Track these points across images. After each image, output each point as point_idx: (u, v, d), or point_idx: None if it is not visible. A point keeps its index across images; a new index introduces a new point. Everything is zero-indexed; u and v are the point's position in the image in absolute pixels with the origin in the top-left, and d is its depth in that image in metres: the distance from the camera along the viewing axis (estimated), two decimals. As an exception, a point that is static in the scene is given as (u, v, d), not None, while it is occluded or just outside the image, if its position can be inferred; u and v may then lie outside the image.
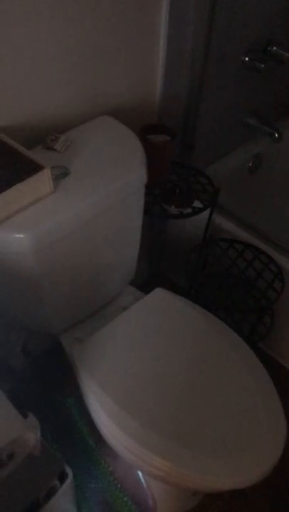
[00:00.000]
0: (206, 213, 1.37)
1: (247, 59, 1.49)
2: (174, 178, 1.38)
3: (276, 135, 1.66)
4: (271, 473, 0.96)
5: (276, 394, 1.03)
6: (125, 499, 1.27)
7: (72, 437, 1.36)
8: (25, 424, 0.83)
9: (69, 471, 1.04)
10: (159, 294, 1.22)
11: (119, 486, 1.29)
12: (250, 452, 0.94)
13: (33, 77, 1.00)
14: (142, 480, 1.28)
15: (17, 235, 0.88)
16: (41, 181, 0.90)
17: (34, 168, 0.90)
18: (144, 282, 1.77)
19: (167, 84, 1.29)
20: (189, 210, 1.29)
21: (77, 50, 1.04)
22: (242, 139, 1.73)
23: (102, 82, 1.14)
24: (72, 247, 1.00)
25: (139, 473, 1.28)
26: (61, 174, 0.99)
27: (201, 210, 1.29)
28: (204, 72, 1.35)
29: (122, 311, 1.21)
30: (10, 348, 1.36)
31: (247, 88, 1.58)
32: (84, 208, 0.96)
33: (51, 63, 1.01)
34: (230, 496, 1.33)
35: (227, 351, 1.10)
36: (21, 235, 0.88)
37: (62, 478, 1.03)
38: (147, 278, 1.80)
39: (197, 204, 1.31)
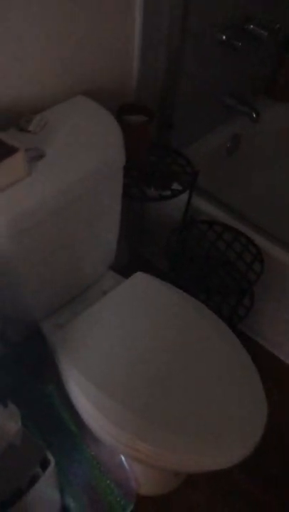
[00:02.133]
0: (184, 195, 1.36)
1: (224, 37, 1.46)
2: (152, 159, 1.35)
3: (254, 115, 1.65)
4: (254, 451, 0.97)
5: (257, 374, 1.04)
6: (108, 482, 1.27)
7: (53, 423, 1.35)
8: (5, 414, 0.82)
9: (51, 457, 1.04)
10: (139, 278, 1.21)
11: (102, 469, 1.29)
12: (231, 432, 0.95)
13: (4, 56, 0.95)
14: (125, 463, 1.28)
15: (-9, 220, 0.85)
16: (16, 164, 0.87)
17: (7, 150, 0.86)
18: (124, 266, 1.75)
19: (144, 63, 1.26)
20: (168, 193, 1.27)
21: (51, 28, 1.00)
22: (220, 120, 1.71)
23: (77, 61, 1.10)
24: (50, 231, 0.97)
25: (122, 457, 1.28)
26: (36, 156, 0.96)
27: (180, 192, 1.27)
28: (182, 50, 1.32)
29: (102, 295, 1.20)
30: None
31: (225, 67, 1.56)
32: (61, 192, 0.93)
33: (23, 42, 0.97)
34: (214, 475, 1.35)
35: (208, 334, 1.10)
36: (-4, 220, 0.85)
37: (44, 465, 1.02)
38: (127, 262, 1.79)
39: (176, 186, 1.29)
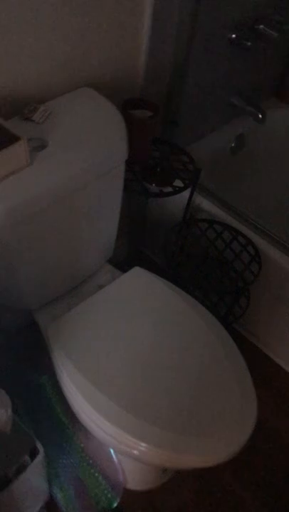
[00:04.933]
0: (186, 193, 1.36)
1: (234, 36, 1.45)
2: (155, 155, 1.35)
3: (260, 116, 1.64)
4: (243, 451, 0.97)
5: (249, 375, 1.04)
6: (96, 475, 1.28)
7: (45, 414, 1.36)
8: (-5, 401, 0.82)
9: (40, 447, 1.04)
10: (136, 272, 1.21)
11: (90, 461, 1.29)
12: (221, 431, 0.95)
13: (11, 45, 0.95)
14: (113, 456, 1.29)
15: (-10, 208, 0.85)
16: (17, 153, 0.87)
17: (9, 139, 0.86)
18: (122, 261, 1.75)
19: (152, 58, 1.26)
20: (170, 189, 1.27)
21: (58, 18, 1.00)
22: (225, 119, 1.71)
23: (84, 52, 1.10)
24: (49, 222, 0.98)
25: (111, 450, 1.29)
26: (38, 146, 0.96)
27: (181, 189, 1.27)
28: (190, 47, 1.32)
29: (98, 289, 1.20)
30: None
31: (233, 67, 1.55)
32: (61, 183, 0.93)
33: (30, 32, 0.97)
34: (203, 472, 1.35)
35: (203, 332, 1.10)
36: (-5, 208, 0.85)
37: (33, 454, 1.02)
38: (126, 256, 1.79)
39: (178, 183, 1.29)
